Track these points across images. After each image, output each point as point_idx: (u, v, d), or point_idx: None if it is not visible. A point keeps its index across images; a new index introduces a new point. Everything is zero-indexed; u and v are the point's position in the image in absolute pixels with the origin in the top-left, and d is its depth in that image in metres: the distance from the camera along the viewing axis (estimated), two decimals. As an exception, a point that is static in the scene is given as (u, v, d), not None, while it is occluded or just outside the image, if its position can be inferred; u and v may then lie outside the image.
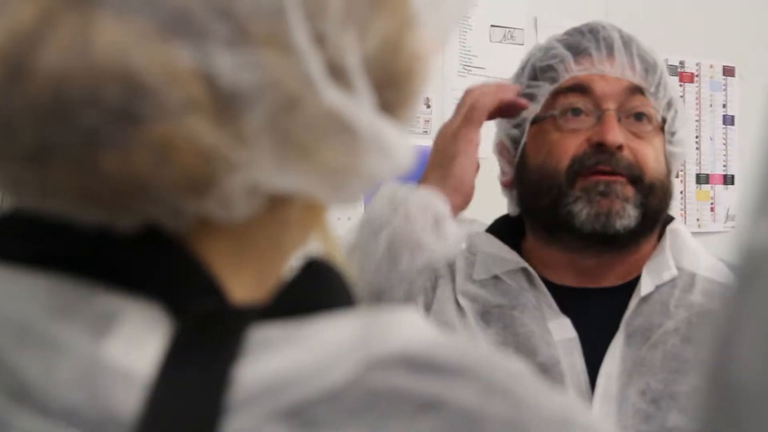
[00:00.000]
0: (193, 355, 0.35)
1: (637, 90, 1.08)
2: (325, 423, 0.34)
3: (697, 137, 2.73)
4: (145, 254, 0.37)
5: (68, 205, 0.36)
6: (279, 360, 0.35)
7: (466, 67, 2.28)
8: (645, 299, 1.09)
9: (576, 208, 1.05)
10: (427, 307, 1.09)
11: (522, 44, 2.28)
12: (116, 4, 0.34)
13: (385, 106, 0.39)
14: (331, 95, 0.36)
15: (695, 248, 1.15)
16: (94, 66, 0.33)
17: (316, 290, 0.39)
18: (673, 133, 1.12)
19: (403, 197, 1.01)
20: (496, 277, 1.12)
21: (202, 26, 0.34)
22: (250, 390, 0.34)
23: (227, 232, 0.39)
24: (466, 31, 2.26)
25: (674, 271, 1.11)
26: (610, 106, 1.07)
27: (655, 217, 1.09)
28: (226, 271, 0.39)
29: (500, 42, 2.28)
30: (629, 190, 1.06)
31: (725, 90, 2.80)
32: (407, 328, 0.37)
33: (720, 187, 2.77)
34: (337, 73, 0.37)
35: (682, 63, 2.70)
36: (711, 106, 2.78)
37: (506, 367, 0.37)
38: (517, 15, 2.31)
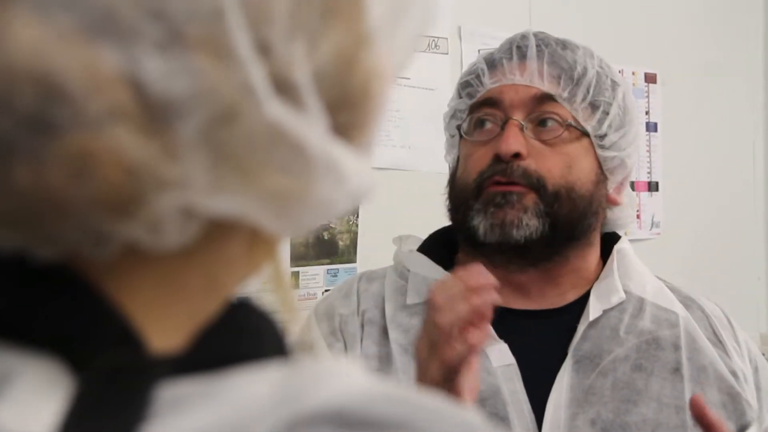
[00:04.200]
0: (92, 419, 0.31)
1: (546, 97, 1.06)
2: None
3: (621, 144, 2.75)
4: (45, 299, 0.33)
5: None
6: (190, 421, 0.31)
7: (391, 77, 2.26)
8: (593, 324, 1.06)
9: (476, 222, 1.04)
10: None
11: (447, 53, 2.26)
12: (35, 0, 0.30)
13: (339, 130, 0.36)
14: (275, 108, 0.32)
15: (641, 270, 1.13)
16: (6, 67, 0.30)
17: (239, 338, 0.35)
18: (602, 137, 1.08)
19: None
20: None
21: (130, 27, 0.30)
22: None
23: (154, 268, 0.35)
24: (389, 41, 2.24)
25: (622, 295, 1.08)
26: (516, 115, 1.05)
27: (568, 226, 1.06)
28: (149, 315, 0.34)
29: (425, 51, 2.26)
30: (529, 199, 1.03)
31: (647, 97, 2.83)
32: (337, 379, 0.33)
33: (645, 194, 2.79)
34: (285, 88, 0.33)
35: (605, 71, 2.72)
36: (634, 113, 2.81)
37: (453, 418, 0.33)
38: (441, 24, 2.29)
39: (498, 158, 1.04)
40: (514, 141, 1.03)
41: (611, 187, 1.11)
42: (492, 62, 1.10)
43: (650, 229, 2.78)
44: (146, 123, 0.31)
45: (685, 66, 2.88)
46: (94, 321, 0.33)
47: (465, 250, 1.12)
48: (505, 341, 1.04)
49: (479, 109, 1.09)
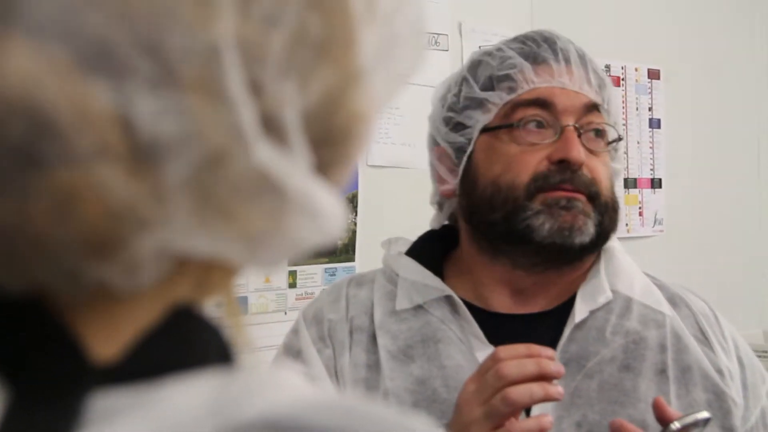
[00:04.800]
0: (20, 429, 0.30)
1: (594, 106, 1.06)
2: None
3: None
4: None
5: None
6: None
7: (391, 74, 2.25)
8: (579, 326, 1.05)
9: (536, 222, 1.01)
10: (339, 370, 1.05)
11: (447, 50, 2.24)
12: (32, 28, 0.29)
13: (318, 166, 0.36)
14: (263, 152, 0.32)
15: (629, 269, 1.12)
16: None
17: (181, 347, 0.34)
18: (616, 150, 1.11)
19: None
20: (419, 307, 1.07)
21: (124, 62, 0.30)
22: None
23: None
24: (390, 37, 2.22)
25: (609, 295, 1.07)
26: (570, 121, 1.04)
27: (606, 236, 1.07)
28: (92, 325, 0.33)
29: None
30: (589, 208, 1.03)
31: (651, 93, 2.81)
32: (273, 389, 0.33)
33: (648, 191, 2.77)
34: (272, 126, 0.33)
35: (607, 66, 2.70)
36: (637, 109, 2.79)
37: (399, 426, 0.33)
38: (441, 20, 2.27)
39: (562, 164, 1.02)
40: (581, 149, 1.03)
41: None
42: (534, 59, 1.07)
43: (653, 227, 2.76)
44: (134, 163, 0.30)
45: (689, 62, 2.86)
46: (30, 329, 0.32)
47: (479, 248, 1.09)
48: (495, 346, 1.01)
49: (526, 108, 1.05)
